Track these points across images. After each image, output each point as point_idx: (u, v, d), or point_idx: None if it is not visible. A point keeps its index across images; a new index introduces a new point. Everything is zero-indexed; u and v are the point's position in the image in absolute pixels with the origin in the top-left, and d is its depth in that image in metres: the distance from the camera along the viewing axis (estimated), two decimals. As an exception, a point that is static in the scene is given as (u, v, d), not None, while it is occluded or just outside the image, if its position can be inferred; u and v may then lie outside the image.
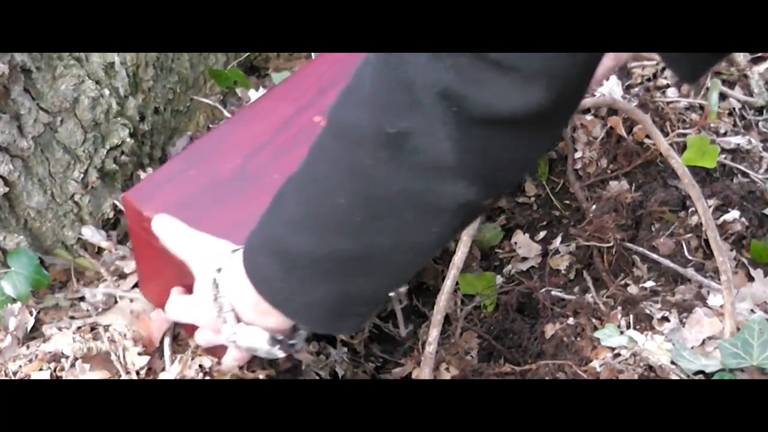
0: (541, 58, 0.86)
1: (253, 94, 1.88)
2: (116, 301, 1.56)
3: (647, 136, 1.72)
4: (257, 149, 1.36)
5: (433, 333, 1.38)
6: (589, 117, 1.81)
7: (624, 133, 1.75)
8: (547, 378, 1.41)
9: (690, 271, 1.58)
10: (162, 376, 1.42)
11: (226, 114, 1.90)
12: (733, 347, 1.35)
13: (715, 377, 1.34)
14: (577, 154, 1.81)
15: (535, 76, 0.86)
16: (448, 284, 1.41)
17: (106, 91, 1.69)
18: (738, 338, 1.35)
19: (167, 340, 1.47)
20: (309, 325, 1.14)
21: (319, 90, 1.41)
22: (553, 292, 1.63)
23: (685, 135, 1.76)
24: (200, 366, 1.43)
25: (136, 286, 1.59)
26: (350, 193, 0.97)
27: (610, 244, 1.63)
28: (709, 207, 1.58)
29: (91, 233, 1.66)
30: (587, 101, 1.70)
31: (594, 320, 1.53)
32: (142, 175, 1.78)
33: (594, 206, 1.69)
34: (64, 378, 1.45)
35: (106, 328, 1.50)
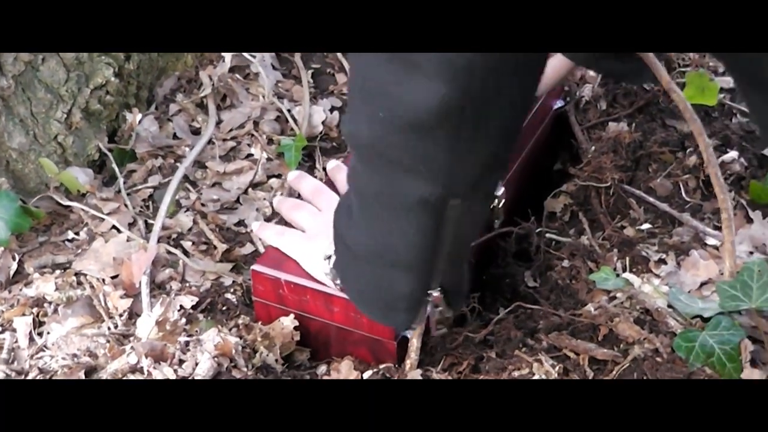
0: (441, 54, 0.89)
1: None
2: (96, 244, 1.53)
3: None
4: None
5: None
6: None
7: None
8: (540, 321, 1.39)
9: (686, 216, 1.54)
10: (142, 318, 1.39)
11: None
12: (732, 289, 1.31)
13: (713, 320, 1.30)
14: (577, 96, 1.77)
15: (437, 72, 0.90)
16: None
17: (89, 29, 1.65)
18: (737, 280, 1.32)
19: (144, 281, 1.45)
20: (366, 312, 1.26)
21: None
22: (548, 235, 1.60)
23: (684, 74, 1.72)
24: (181, 306, 1.41)
25: (114, 227, 1.58)
26: (356, 195, 1.12)
27: (608, 185, 1.59)
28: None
29: (77, 175, 1.63)
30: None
31: (590, 263, 1.49)
32: (128, 116, 1.74)
33: (593, 147, 1.65)
34: (47, 323, 1.43)
35: (87, 273, 1.47)
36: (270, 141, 1.79)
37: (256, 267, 1.39)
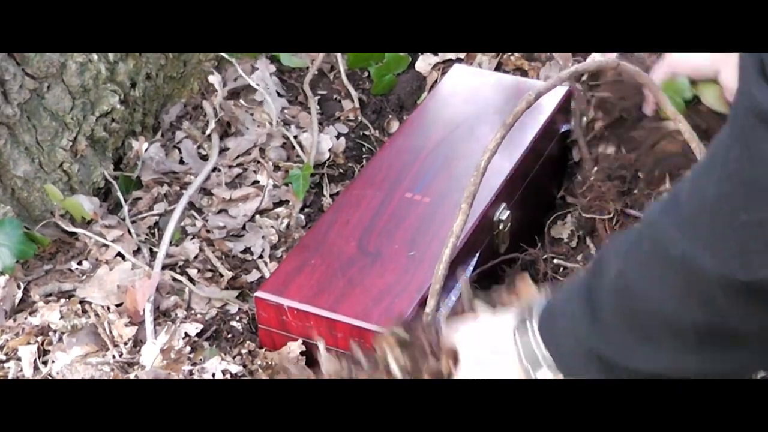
0: None
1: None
2: (101, 271, 1.53)
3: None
4: (368, 229, 1.49)
5: (431, 303, 1.34)
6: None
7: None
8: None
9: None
10: (146, 346, 1.38)
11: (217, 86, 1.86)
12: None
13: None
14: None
15: None
16: (446, 252, 1.37)
17: (95, 56, 1.65)
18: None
19: (148, 308, 1.44)
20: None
21: (396, 174, 1.59)
22: (555, 261, 1.58)
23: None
24: (186, 334, 1.41)
25: (119, 255, 1.57)
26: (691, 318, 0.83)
27: (611, 215, 1.58)
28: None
29: (82, 202, 1.62)
30: (590, 64, 1.65)
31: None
32: (134, 143, 1.74)
33: (595, 169, 1.64)
34: (51, 351, 1.42)
35: (91, 301, 1.47)
36: (276, 168, 1.78)
37: (259, 294, 1.38)
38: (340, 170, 1.83)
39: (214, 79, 1.85)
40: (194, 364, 1.32)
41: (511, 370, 1.01)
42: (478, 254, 1.48)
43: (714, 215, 0.77)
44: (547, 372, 0.98)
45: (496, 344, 1.04)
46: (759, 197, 0.73)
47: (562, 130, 1.75)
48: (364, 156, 1.88)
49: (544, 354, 0.97)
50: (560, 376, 0.97)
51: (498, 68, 1.96)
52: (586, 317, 0.91)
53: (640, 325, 0.87)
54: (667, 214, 0.82)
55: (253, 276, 1.60)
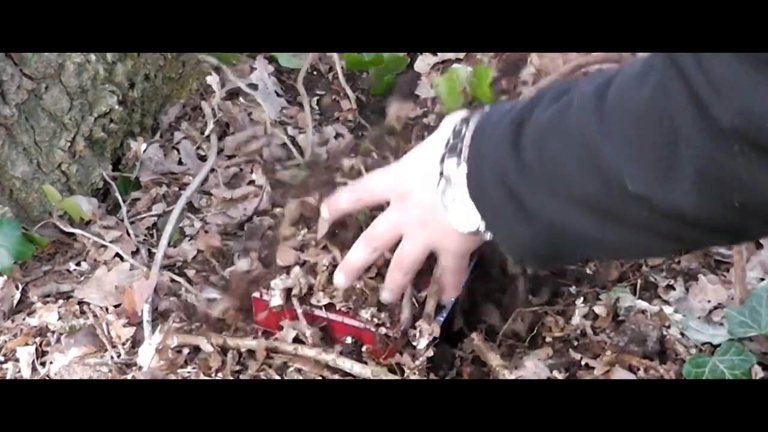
0: None
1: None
2: (99, 272, 1.53)
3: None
4: None
5: (431, 303, 1.33)
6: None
7: None
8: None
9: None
10: (143, 347, 1.38)
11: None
12: (741, 316, 1.30)
13: (723, 346, 1.29)
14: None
15: None
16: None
17: (93, 57, 1.64)
18: (746, 306, 1.30)
19: (147, 309, 1.44)
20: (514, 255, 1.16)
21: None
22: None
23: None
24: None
25: (117, 255, 1.56)
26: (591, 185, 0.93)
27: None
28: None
29: (80, 203, 1.62)
30: (593, 57, 1.64)
31: (597, 289, 1.48)
32: (133, 144, 1.74)
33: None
34: (50, 352, 1.42)
35: (89, 302, 1.47)
36: (275, 168, 1.78)
37: (257, 294, 1.37)
38: (339, 170, 1.83)
39: (212, 80, 1.84)
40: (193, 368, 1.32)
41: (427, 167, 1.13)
42: (477, 256, 1.48)
43: (639, 130, 0.85)
44: (454, 191, 1.09)
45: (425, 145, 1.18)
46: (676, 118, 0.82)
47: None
48: (362, 156, 1.87)
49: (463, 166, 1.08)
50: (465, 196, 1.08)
51: (498, 69, 1.95)
52: (511, 151, 1.00)
53: (551, 177, 0.96)
54: (594, 110, 0.91)
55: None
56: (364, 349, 1.31)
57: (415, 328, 1.29)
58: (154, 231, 1.66)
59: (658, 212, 0.88)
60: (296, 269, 1.34)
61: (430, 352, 1.31)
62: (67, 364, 1.39)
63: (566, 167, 0.94)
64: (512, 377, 1.27)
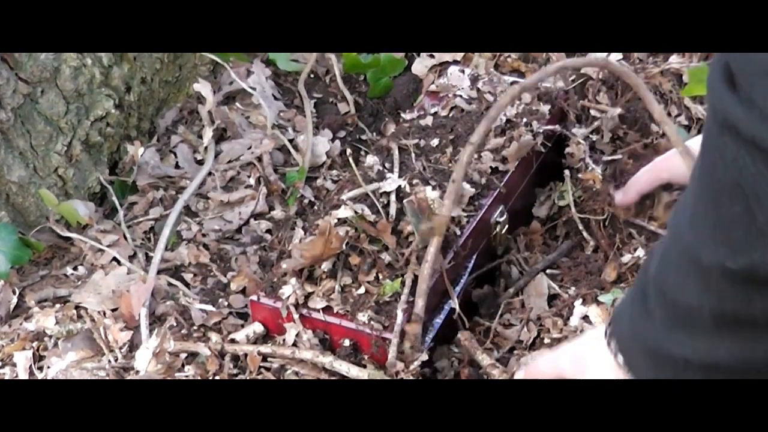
0: None
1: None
2: (96, 276, 1.52)
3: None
4: None
5: (419, 303, 1.33)
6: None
7: None
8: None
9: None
10: (140, 351, 1.37)
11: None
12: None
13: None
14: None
15: None
16: (431, 251, 1.36)
17: (89, 60, 1.64)
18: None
19: (144, 313, 1.44)
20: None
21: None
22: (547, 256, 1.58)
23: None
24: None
25: (114, 259, 1.56)
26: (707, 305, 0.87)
27: (605, 217, 1.57)
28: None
29: (77, 207, 1.62)
30: (579, 60, 1.64)
31: (595, 290, 1.47)
32: (129, 148, 1.73)
33: (590, 169, 1.63)
34: (47, 357, 1.41)
35: (87, 306, 1.46)
36: (272, 171, 1.78)
37: (254, 297, 1.37)
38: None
39: (201, 87, 1.81)
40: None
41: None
42: (475, 257, 1.48)
43: (706, 210, 0.83)
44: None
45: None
46: (729, 195, 0.79)
47: (558, 132, 1.74)
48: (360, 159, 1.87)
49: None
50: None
51: (495, 70, 1.95)
52: (640, 310, 0.96)
53: (673, 313, 0.91)
54: (680, 212, 0.88)
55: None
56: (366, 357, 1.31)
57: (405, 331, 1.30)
58: (152, 235, 1.65)
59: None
60: (295, 276, 1.35)
61: (425, 356, 1.31)
62: (64, 368, 1.39)
63: (683, 291, 0.89)
64: (502, 377, 1.27)
